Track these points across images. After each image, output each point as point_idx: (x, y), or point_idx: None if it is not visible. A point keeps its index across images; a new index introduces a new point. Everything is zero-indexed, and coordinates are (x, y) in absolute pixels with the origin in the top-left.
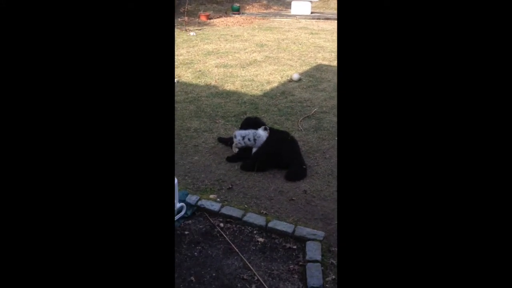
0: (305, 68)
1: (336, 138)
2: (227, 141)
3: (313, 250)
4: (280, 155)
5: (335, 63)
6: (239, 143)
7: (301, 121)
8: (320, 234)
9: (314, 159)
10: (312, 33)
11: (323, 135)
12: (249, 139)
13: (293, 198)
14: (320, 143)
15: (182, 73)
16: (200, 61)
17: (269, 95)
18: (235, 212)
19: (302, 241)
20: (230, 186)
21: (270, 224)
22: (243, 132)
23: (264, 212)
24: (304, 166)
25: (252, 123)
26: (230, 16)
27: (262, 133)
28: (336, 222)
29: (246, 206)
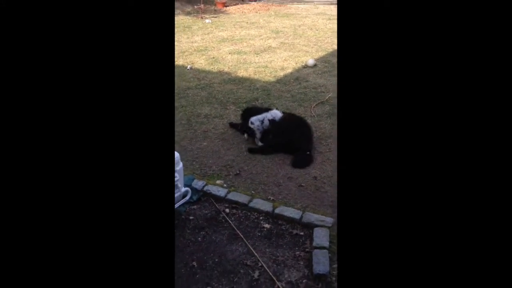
0: (321, 53)
1: None
2: (238, 127)
3: (321, 237)
4: (292, 142)
5: None
6: (259, 128)
7: (314, 107)
8: (329, 220)
9: (326, 145)
10: (330, 19)
11: (335, 122)
12: (268, 120)
13: (302, 184)
14: (333, 129)
15: (196, 60)
16: (214, 48)
17: (283, 81)
18: (242, 198)
19: (309, 227)
20: (238, 172)
21: (277, 210)
22: (259, 116)
23: (272, 198)
24: (308, 152)
25: (254, 112)
26: (247, 3)
27: (277, 112)
28: None
29: (253, 192)
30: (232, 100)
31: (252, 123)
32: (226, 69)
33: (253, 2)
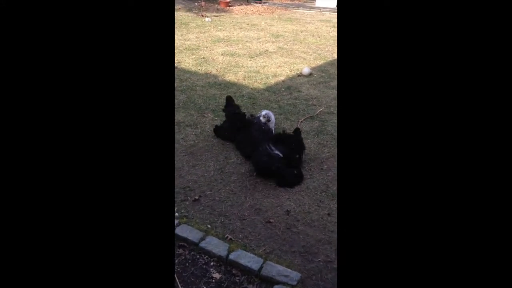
0: (319, 62)
1: None
2: (226, 131)
3: None
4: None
5: None
6: (274, 122)
7: (302, 121)
8: (295, 276)
9: (308, 169)
10: (334, 26)
11: (324, 141)
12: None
13: (271, 220)
14: (319, 150)
15: (184, 59)
16: (207, 47)
17: (272, 89)
18: (193, 234)
19: (269, 283)
20: (197, 198)
21: (232, 255)
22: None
23: (230, 237)
24: (296, 171)
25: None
26: (251, 5)
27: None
28: (319, 260)
29: (209, 226)
30: (212, 107)
31: (269, 118)
32: (214, 71)
33: (258, 4)
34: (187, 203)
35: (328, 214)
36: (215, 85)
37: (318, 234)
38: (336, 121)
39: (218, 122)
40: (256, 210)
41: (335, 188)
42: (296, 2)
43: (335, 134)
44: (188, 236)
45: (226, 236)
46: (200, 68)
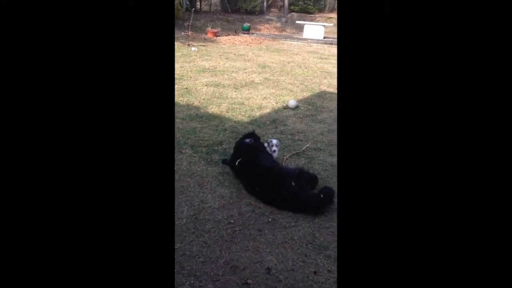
0: (306, 94)
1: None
2: (235, 162)
3: None
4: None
5: None
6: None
7: (287, 159)
8: None
9: (292, 216)
10: (321, 58)
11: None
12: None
13: (248, 281)
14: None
15: None
16: (191, 77)
17: (257, 122)
18: None
19: None
20: None
21: None
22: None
23: None
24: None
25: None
26: (239, 35)
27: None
28: None
29: None
30: (191, 142)
31: (276, 145)
32: (196, 103)
33: (246, 35)
34: None
35: (315, 273)
36: (196, 117)
37: None
38: (324, 158)
39: (197, 158)
40: (232, 268)
41: (322, 238)
42: (284, 33)
43: (323, 173)
44: None
45: None
46: (182, 99)
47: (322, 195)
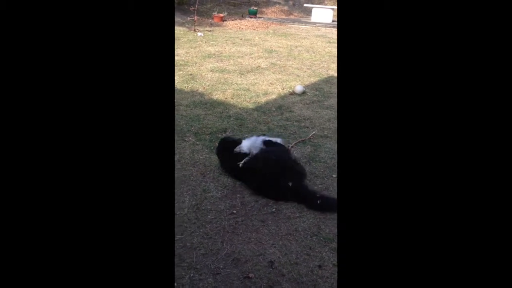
0: (313, 79)
1: (334, 176)
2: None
3: None
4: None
5: None
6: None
7: (292, 146)
8: None
9: (296, 206)
10: (329, 42)
11: (317, 170)
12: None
13: (250, 275)
14: (310, 182)
15: None
16: (196, 63)
17: (262, 109)
18: None
19: None
20: None
21: None
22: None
23: None
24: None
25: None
26: (246, 20)
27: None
28: None
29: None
30: (194, 130)
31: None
32: (200, 89)
33: (252, 19)
34: None
35: (319, 266)
36: (200, 104)
37: None
38: (331, 146)
39: (200, 146)
40: (233, 261)
41: (327, 230)
42: (292, 17)
43: (329, 162)
44: None
45: None
46: (186, 85)
47: (319, 201)
